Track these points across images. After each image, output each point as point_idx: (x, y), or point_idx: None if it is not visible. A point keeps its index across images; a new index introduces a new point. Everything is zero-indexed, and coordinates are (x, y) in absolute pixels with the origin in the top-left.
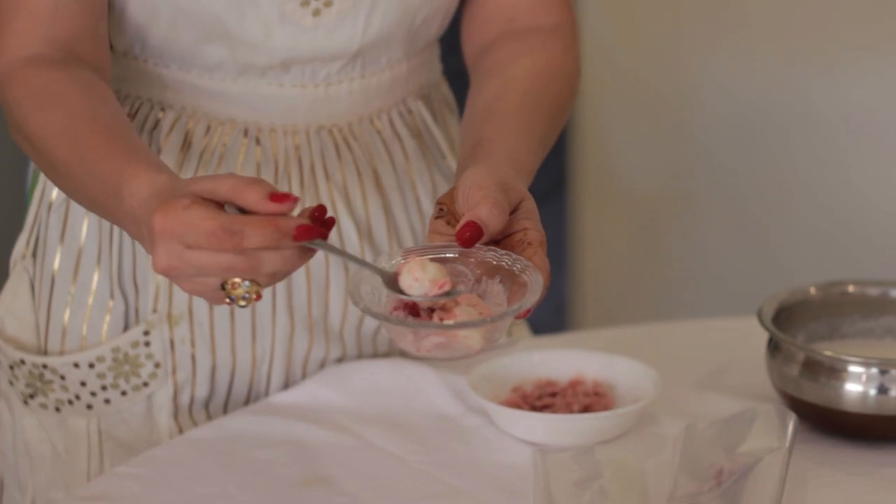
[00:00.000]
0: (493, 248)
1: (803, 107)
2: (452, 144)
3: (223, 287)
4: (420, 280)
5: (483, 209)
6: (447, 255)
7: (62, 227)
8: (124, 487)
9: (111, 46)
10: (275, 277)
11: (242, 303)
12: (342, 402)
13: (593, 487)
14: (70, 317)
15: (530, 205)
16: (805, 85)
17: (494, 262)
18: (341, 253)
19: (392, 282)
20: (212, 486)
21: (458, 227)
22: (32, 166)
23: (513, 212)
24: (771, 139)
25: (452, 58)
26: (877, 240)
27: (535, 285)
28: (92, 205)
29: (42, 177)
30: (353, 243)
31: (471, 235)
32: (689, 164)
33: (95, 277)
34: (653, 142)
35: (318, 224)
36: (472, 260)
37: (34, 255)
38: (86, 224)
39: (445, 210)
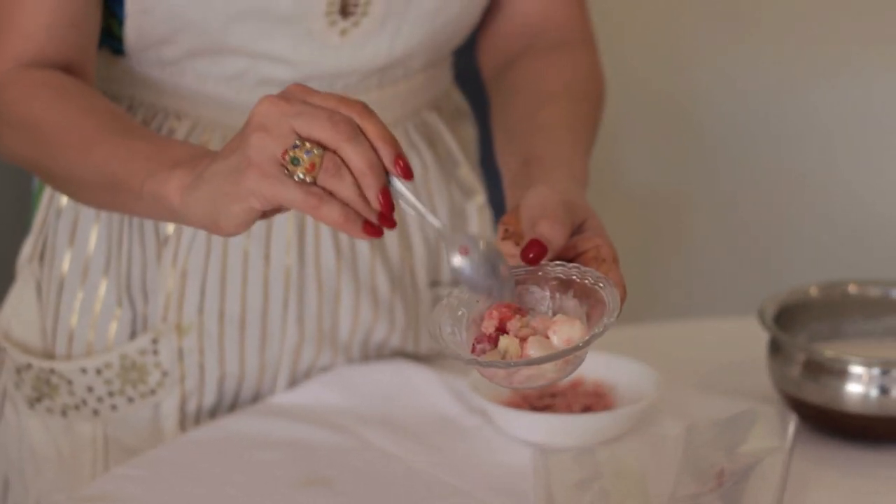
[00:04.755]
0: (560, 262)
1: (805, 107)
2: (466, 151)
3: (294, 146)
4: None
5: (545, 226)
6: (517, 275)
7: (71, 232)
8: (124, 488)
9: (123, 53)
10: (338, 175)
11: (297, 164)
12: (342, 402)
13: (594, 488)
14: (77, 323)
15: (596, 221)
16: (806, 85)
17: (564, 277)
18: (416, 207)
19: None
20: (212, 487)
21: (522, 247)
22: None
23: (580, 230)
24: (772, 140)
25: (457, 56)
26: (877, 240)
27: (613, 302)
28: (105, 182)
29: None
30: (364, 255)
31: (536, 254)
32: (690, 164)
33: (103, 285)
34: (654, 142)
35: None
36: (541, 275)
37: (41, 258)
38: (95, 232)
39: (511, 231)
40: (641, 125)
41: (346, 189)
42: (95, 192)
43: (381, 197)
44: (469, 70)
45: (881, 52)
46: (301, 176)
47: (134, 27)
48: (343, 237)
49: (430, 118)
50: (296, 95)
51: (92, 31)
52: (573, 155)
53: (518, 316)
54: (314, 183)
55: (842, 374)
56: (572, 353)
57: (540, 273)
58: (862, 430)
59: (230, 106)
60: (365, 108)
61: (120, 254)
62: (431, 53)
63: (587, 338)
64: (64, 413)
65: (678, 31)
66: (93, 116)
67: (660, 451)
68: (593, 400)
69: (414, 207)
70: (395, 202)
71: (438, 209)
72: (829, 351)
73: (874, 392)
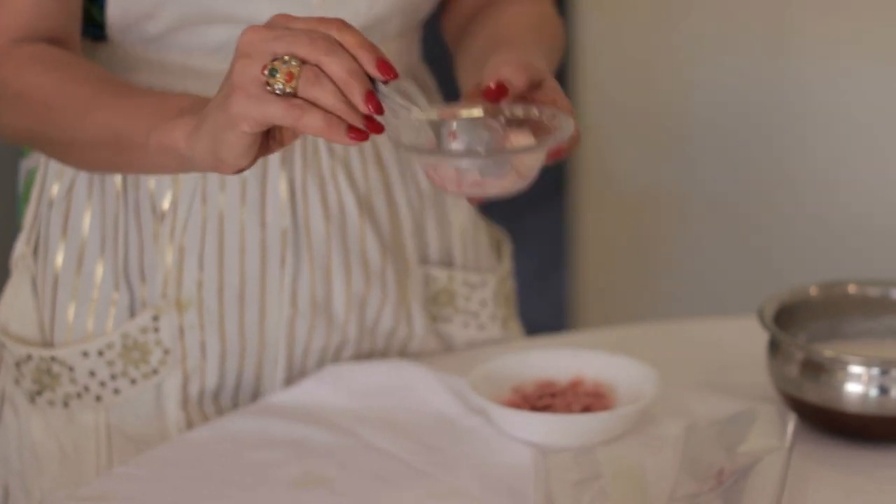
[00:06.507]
0: (520, 102)
1: (802, 107)
2: None
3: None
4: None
5: (505, 69)
6: (476, 112)
7: (63, 222)
8: (124, 488)
9: (104, 39)
10: (318, 83)
11: (275, 74)
12: (341, 402)
13: (594, 488)
14: (74, 312)
15: (554, 82)
16: (807, 84)
17: (522, 115)
18: (405, 104)
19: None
20: (211, 487)
21: (483, 87)
22: (24, 169)
23: (538, 87)
24: (772, 139)
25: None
26: (877, 240)
27: (566, 124)
28: (107, 141)
29: (40, 175)
30: (353, 216)
31: (496, 92)
32: (688, 164)
33: (99, 270)
34: (652, 142)
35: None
36: (502, 116)
37: (35, 252)
38: (88, 216)
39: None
40: (640, 127)
41: (327, 95)
42: (96, 152)
43: (367, 100)
44: (433, 57)
45: (876, 51)
46: (281, 87)
47: (118, 5)
48: (331, 198)
49: (408, 86)
50: (278, 22)
51: (76, 9)
52: (533, 47)
53: None
54: (296, 95)
55: (841, 374)
56: (518, 154)
57: (498, 111)
58: (861, 429)
59: (216, 78)
60: (343, 23)
61: (116, 235)
62: (406, 16)
63: (536, 142)
64: (66, 403)
65: (676, 33)
66: (89, 82)
67: (660, 451)
68: (593, 400)
69: (403, 106)
70: (383, 105)
71: (419, 173)
72: (828, 351)
73: (873, 392)
